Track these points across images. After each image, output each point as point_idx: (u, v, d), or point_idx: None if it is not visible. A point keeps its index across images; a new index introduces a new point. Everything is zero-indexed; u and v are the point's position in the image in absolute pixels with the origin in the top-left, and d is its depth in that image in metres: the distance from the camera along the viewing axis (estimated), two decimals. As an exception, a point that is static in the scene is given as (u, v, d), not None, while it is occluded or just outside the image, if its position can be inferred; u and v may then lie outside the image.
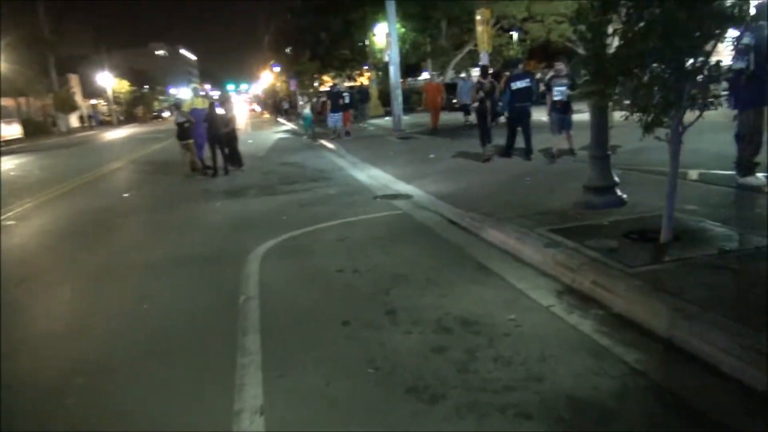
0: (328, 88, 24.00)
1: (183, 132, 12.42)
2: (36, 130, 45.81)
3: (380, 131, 21.24)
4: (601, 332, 3.51)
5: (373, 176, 10.64)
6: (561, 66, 10.16)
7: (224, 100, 13.78)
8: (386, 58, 19.44)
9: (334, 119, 19.49)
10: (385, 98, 33.02)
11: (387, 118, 27.55)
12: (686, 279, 3.88)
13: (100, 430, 3.00)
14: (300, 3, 33.36)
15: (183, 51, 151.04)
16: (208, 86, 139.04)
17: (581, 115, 14.98)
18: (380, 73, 32.97)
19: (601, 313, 3.78)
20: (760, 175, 6.60)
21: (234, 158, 13.10)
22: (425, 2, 31.12)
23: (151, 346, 3.89)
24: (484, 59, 18.94)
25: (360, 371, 3.26)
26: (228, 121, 12.79)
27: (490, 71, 12.67)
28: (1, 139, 36.07)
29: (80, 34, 62.67)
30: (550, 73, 10.63)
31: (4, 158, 24.16)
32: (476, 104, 11.32)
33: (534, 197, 7.14)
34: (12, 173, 16.99)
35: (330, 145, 17.39)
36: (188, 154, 12.64)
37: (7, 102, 46.34)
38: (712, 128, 4.41)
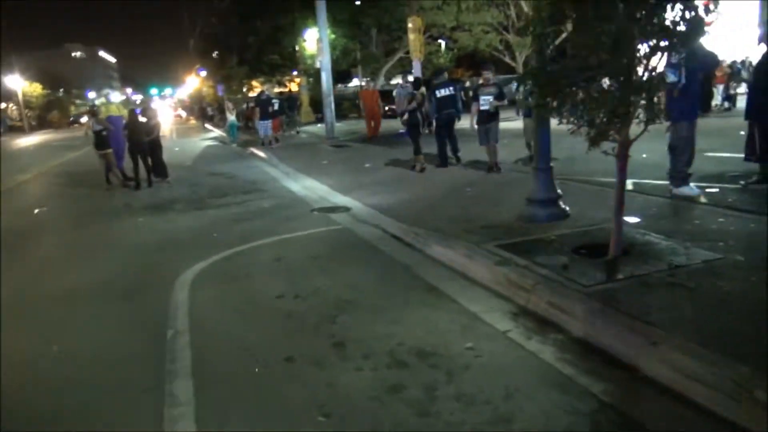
0: (257, 94, 23.50)
1: (100, 141, 11.55)
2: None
3: (313, 139, 20.81)
4: (563, 360, 3.32)
5: (308, 187, 10.25)
6: (488, 74, 10.13)
7: (146, 106, 12.98)
8: (318, 65, 19.07)
9: (264, 126, 19.10)
10: (316, 105, 32.64)
11: (319, 125, 27.18)
12: (643, 298, 3.77)
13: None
14: (226, 6, 32.35)
15: (102, 53, 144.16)
16: (129, 90, 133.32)
17: (512, 122, 15.35)
18: (311, 79, 32.51)
19: (560, 337, 3.60)
20: (693, 185, 6.75)
21: (158, 169, 12.33)
22: (355, 9, 31.03)
23: (61, 400, 3.35)
24: (416, 66, 18.94)
25: (309, 419, 2.90)
26: (151, 129, 12.04)
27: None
28: None
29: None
30: (479, 81, 10.57)
31: None
32: (406, 115, 11.32)
33: (477, 209, 7.00)
34: None
35: (261, 154, 16.80)
36: (107, 164, 11.77)
37: None
38: (647, 138, 4.34)
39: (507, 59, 34.22)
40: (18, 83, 57.16)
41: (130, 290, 5.14)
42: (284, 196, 9.64)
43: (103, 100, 13.00)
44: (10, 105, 62.86)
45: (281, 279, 5.12)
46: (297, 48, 30.70)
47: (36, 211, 9.77)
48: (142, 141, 11.45)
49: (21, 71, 58.06)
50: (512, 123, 17.67)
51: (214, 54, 38.60)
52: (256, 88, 42.13)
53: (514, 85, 22.26)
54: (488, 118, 9.66)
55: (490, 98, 9.57)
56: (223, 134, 23.25)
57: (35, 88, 62.29)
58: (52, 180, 14.42)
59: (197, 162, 16.38)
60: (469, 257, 5.14)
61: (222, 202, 9.38)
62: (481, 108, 9.69)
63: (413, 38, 18.48)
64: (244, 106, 28.74)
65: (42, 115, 65.76)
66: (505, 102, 10.54)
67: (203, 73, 50.37)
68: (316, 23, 25.18)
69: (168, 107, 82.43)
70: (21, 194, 12.44)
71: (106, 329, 4.35)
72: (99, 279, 5.57)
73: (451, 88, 11.05)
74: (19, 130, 55.87)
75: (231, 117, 22.55)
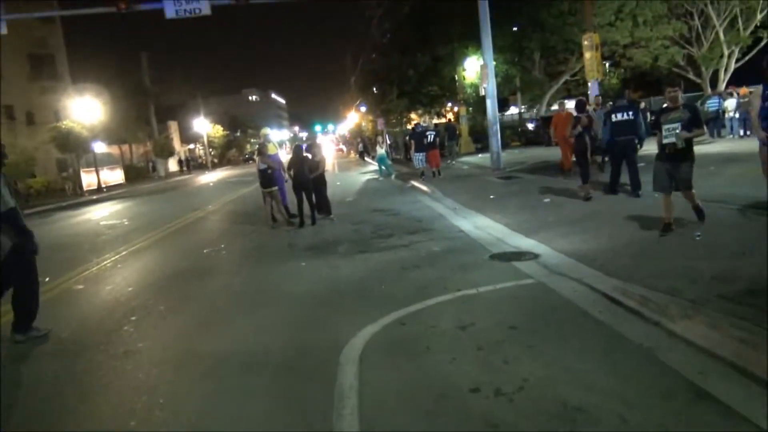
0: (412, 127, 23.49)
1: (266, 179, 11.41)
2: (137, 175, 48.09)
3: (476, 170, 19.62)
4: None
5: (480, 226, 9.02)
6: (675, 93, 6.89)
7: (312, 142, 12.77)
8: (482, 91, 17.96)
9: (418, 159, 19.06)
10: (476, 135, 31.57)
11: (480, 155, 26.01)
12: None
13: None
14: (387, 42, 32.79)
15: (274, 95, 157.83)
16: (296, 128, 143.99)
17: (704, 146, 12.91)
18: (470, 108, 31.58)
19: None
20: None
21: (322, 206, 11.93)
22: (517, 33, 29.65)
23: None
24: (593, 88, 17.03)
25: None
26: (316, 165, 11.69)
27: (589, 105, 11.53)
28: (105, 185, 37.69)
29: (179, 84, 66.09)
30: (664, 105, 7.44)
31: (102, 204, 24.72)
32: (573, 139, 10.48)
33: (714, 262, 5.27)
34: (102, 222, 16.79)
35: (423, 188, 15.96)
36: (272, 202, 11.59)
37: (112, 149, 49.12)
38: None
39: (691, 75, 30.51)
40: (204, 126, 63.64)
41: (287, 363, 4.23)
42: (455, 237, 8.50)
43: (264, 135, 12.98)
44: (198, 145, 70.29)
45: (472, 359, 3.90)
46: (456, 78, 30.00)
47: (204, 251, 9.66)
48: (307, 177, 11.10)
49: (206, 115, 64.67)
50: (705, 146, 15.02)
51: (374, 89, 39.38)
52: (414, 120, 42.42)
53: (712, 102, 19.54)
54: (674, 156, 6.69)
55: (678, 127, 6.62)
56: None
57: (217, 130, 68.94)
58: (224, 217, 14.80)
59: (359, 197, 15.97)
60: (745, 343, 3.54)
61: (387, 244, 8.49)
62: (664, 141, 6.74)
63: (589, 56, 16.65)
64: (407, 138, 28.54)
65: (222, 153, 72.58)
66: (704, 132, 8.26)
67: (363, 109, 52.08)
68: (477, 50, 24.39)
69: (330, 142, 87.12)
70: (193, 232, 12.74)
71: (253, 421, 3.44)
72: (255, 343, 4.78)
73: (630, 113, 9.96)
74: (202, 167, 62.03)
75: (381, 150, 22.26)
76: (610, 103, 12.29)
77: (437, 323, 4.71)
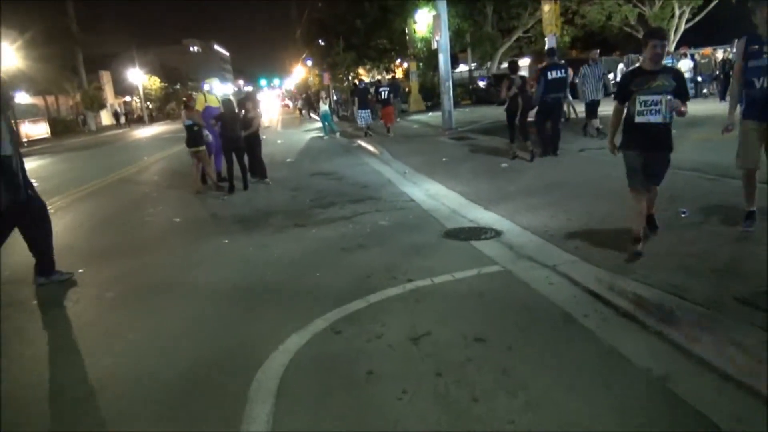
0: (355, 84, 22.49)
1: (192, 137, 9.96)
2: (65, 128, 44.56)
3: (426, 129, 18.55)
4: None
5: (434, 195, 8.00)
6: (659, 49, 4.41)
7: (245, 96, 11.34)
8: (434, 44, 16.72)
9: (362, 116, 18.58)
10: (426, 92, 30.30)
11: (430, 114, 24.94)
12: None
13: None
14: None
15: (217, 47, 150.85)
16: (241, 82, 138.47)
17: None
18: (420, 64, 30.24)
19: None
20: None
21: (256, 168, 10.63)
22: (471, -16, 28.26)
23: None
24: (550, 41, 16.02)
25: None
26: (248, 123, 10.32)
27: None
28: (27, 139, 34.64)
29: (114, 33, 61.41)
30: (635, 65, 5.38)
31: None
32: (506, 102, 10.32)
33: (721, 248, 4.43)
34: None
35: (370, 148, 14.80)
36: (198, 164, 10.19)
37: (37, 100, 45.28)
38: None
39: (640, 35, 30.10)
40: (139, 78, 59.63)
41: (175, 399, 3.09)
42: (405, 208, 7.46)
43: (207, 87, 11.28)
44: (134, 98, 66.05)
45: (430, 394, 2.88)
46: (407, 31, 28.51)
47: (112, 224, 8.26)
48: (238, 135, 9.74)
49: (141, 66, 60.53)
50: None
51: (320, 41, 37.35)
52: (362, 76, 40.67)
53: (665, 63, 18.94)
54: (652, 141, 4.51)
55: (661, 100, 4.34)
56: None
57: (154, 82, 64.87)
58: (148, 179, 13.23)
59: (300, 158, 14.65)
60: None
61: (327, 216, 7.36)
62: (638, 119, 4.47)
63: (548, 9, 15.57)
64: (350, 94, 27.07)
65: (161, 107, 68.61)
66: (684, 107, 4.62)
67: (309, 62, 49.78)
68: (428, 2, 23.01)
69: (275, 97, 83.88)
70: (105, 197, 11.21)
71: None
72: (136, 364, 3.59)
73: (562, 71, 10.22)
74: (140, 121, 58.33)
75: (324, 107, 20.75)
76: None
77: (383, 332, 3.66)
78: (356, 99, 19.63)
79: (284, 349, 3.51)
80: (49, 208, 5.74)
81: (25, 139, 34.01)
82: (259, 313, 4.23)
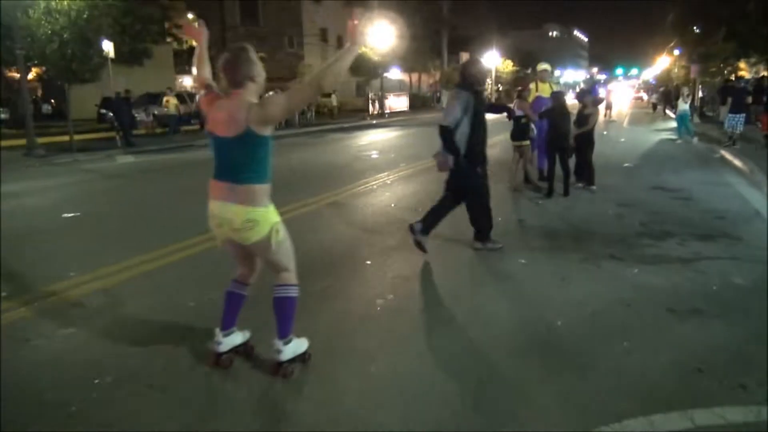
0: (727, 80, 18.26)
1: (519, 130, 9.18)
2: (422, 104, 49.30)
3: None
4: None
5: (830, 250, 5.56)
6: None
7: (584, 90, 10.02)
8: None
9: (733, 121, 14.99)
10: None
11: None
12: None
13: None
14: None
15: (576, 32, 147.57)
16: (595, 69, 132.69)
17: None
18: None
19: None
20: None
21: (583, 171, 9.31)
22: None
23: None
24: None
25: None
26: (583, 120, 9.03)
27: None
28: (389, 110, 39.35)
29: (483, 16, 64.60)
30: None
31: (376, 130, 25.27)
32: None
33: None
34: (359, 152, 16.64)
35: (737, 163, 11.84)
36: (521, 161, 9.35)
37: (405, 77, 51.02)
38: None
39: None
40: (494, 60, 61.86)
41: None
42: (778, 262, 5.32)
43: (542, 69, 10.35)
44: (488, 80, 69.19)
45: None
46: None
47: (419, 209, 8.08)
48: (565, 134, 8.57)
49: (500, 49, 62.60)
50: None
51: (696, 28, 32.24)
52: (742, 71, 33.87)
53: None
54: None
55: None
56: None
57: (507, 65, 66.51)
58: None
59: (642, 163, 12.56)
60: None
61: (659, 252, 5.72)
62: None
63: None
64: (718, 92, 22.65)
65: (508, 91, 70.31)
66: None
67: (676, 52, 43.97)
68: None
69: (629, 87, 77.57)
70: (425, 180, 11.26)
71: None
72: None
73: None
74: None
75: (683, 105, 17.39)
76: None
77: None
78: (729, 99, 16.27)
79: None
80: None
81: (387, 111, 38.60)
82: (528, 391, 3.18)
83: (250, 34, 45.96)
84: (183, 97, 26.41)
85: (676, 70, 46.02)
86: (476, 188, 5.73)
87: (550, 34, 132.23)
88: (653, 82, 63.85)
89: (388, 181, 10.49)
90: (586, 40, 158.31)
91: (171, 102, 22.86)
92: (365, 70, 35.20)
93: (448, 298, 4.64)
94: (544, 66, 10.39)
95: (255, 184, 2.97)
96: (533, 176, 9.62)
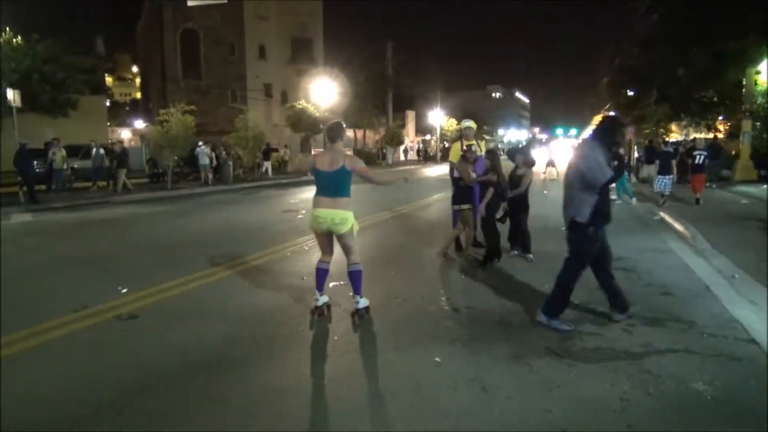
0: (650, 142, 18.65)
1: (460, 192, 8.24)
2: (367, 160, 48.90)
3: (758, 209, 13.87)
4: None
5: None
6: None
7: (518, 149, 9.36)
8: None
9: (661, 183, 15.48)
10: (759, 158, 24.15)
11: (765, 186, 19.40)
12: None
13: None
14: (658, 34, 26.69)
15: (518, 94, 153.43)
16: (537, 129, 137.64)
17: None
18: (758, 124, 24.25)
19: None
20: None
21: (517, 237, 8.48)
22: None
23: None
24: None
25: None
26: (516, 181, 8.28)
27: None
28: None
29: (426, 77, 66.01)
30: None
31: (311, 187, 24.24)
32: None
33: None
34: (281, 210, 15.54)
35: (677, 227, 11.35)
36: (461, 226, 8.34)
37: (349, 132, 50.81)
38: None
39: None
40: (439, 118, 62.81)
41: None
42: (737, 356, 4.45)
43: (464, 127, 9.63)
44: (432, 137, 69.99)
45: None
46: (744, 82, 23.16)
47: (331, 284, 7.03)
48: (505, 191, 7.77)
49: (443, 108, 63.77)
50: None
51: (629, 92, 33.30)
52: (674, 133, 35.06)
53: None
54: None
55: None
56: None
57: (451, 123, 67.69)
58: (406, 223, 12.17)
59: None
60: None
61: (601, 343, 4.79)
62: None
63: None
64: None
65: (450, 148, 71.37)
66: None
67: (612, 114, 45.60)
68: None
69: (570, 147, 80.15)
70: (383, 229, 10.21)
71: None
72: None
73: None
74: (432, 159, 61.19)
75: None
76: None
77: None
78: (657, 161, 16.72)
79: None
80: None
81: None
82: None
83: (191, 88, 45.03)
84: (108, 150, 24.67)
85: (611, 131, 47.51)
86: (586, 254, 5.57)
87: (494, 95, 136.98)
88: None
89: (306, 247, 9.38)
90: (527, 101, 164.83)
91: (58, 155, 20.98)
92: (306, 125, 34.43)
93: (334, 424, 3.50)
94: (467, 123, 9.70)
95: (345, 198, 5.33)
96: (469, 241, 8.59)
